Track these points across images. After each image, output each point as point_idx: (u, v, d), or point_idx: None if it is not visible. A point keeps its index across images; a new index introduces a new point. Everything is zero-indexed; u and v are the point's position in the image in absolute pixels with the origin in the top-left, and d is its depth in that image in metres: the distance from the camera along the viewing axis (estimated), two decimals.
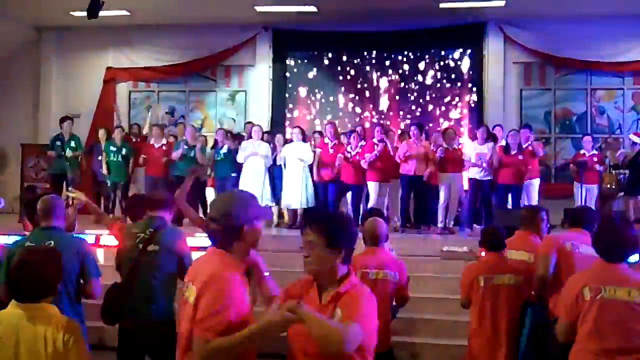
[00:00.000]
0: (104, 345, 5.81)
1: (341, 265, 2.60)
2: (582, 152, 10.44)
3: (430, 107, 12.90)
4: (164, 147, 10.50)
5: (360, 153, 9.72)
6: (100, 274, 4.28)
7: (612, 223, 3.67)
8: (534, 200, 9.69)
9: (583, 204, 9.64)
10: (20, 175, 11.96)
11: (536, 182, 9.86)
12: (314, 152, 10.13)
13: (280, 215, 10.73)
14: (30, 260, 2.90)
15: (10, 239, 4.43)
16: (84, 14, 10.41)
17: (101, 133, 11.28)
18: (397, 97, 13.01)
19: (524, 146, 9.64)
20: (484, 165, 9.44)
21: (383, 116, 12.97)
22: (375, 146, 9.65)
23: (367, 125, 12.44)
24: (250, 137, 10.42)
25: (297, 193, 9.94)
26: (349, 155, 9.76)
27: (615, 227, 3.57)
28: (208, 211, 2.91)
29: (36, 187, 10.19)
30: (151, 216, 4.64)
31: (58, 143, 10.57)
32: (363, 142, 9.96)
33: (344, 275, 2.62)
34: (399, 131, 11.37)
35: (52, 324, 2.77)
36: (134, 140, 11.23)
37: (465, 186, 9.89)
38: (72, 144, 10.66)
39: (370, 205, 9.87)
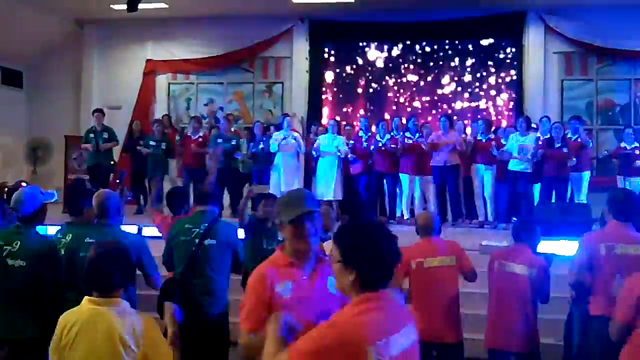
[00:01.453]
0: None
1: (359, 291, 2.19)
2: (622, 144, 10.17)
3: (470, 98, 12.75)
4: (200, 139, 10.60)
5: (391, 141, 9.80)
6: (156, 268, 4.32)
7: None
8: (584, 194, 9.51)
9: None
10: (64, 166, 12.19)
11: (586, 175, 9.60)
12: (348, 143, 10.14)
13: None
14: (105, 253, 2.92)
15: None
16: (124, 7, 10.56)
17: (135, 125, 11.48)
18: (436, 88, 12.90)
19: (572, 138, 9.47)
20: (528, 157, 9.30)
21: (421, 107, 12.87)
22: (406, 138, 9.73)
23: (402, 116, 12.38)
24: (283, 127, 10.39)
25: (331, 184, 9.97)
26: (379, 145, 9.81)
27: None
28: None
29: (83, 179, 10.37)
30: (202, 210, 4.70)
31: (91, 135, 10.73)
32: (395, 132, 9.96)
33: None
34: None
35: (127, 318, 2.82)
36: (165, 131, 11.29)
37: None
38: (105, 135, 10.78)
39: (404, 198, 9.90)
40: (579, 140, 9.53)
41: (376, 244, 2.20)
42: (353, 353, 2.03)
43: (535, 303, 4.79)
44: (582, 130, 9.84)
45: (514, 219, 9.20)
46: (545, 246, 7.34)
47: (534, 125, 10.21)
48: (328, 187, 9.92)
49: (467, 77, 12.75)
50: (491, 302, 4.89)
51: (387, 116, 12.26)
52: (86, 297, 2.89)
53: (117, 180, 9.34)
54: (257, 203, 5.60)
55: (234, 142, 10.44)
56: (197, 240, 4.49)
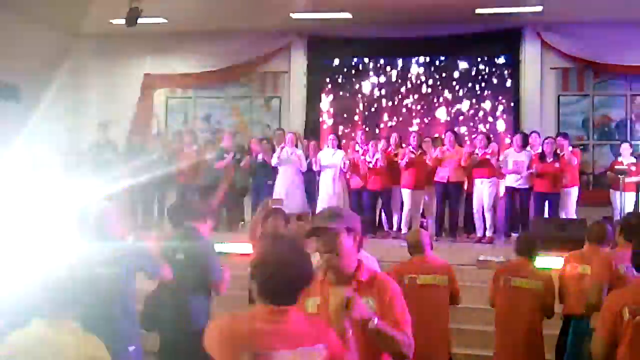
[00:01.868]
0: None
1: (357, 253, 2.74)
2: (620, 159, 10.20)
3: (467, 113, 12.80)
4: (194, 153, 10.62)
5: (380, 158, 9.86)
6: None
7: None
8: (572, 210, 9.57)
9: (620, 212, 9.50)
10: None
11: (574, 191, 9.69)
12: (347, 159, 10.18)
13: None
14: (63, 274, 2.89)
15: None
16: (123, 21, 10.60)
17: (135, 140, 11.49)
18: (433, 104, 12.94)
19: (560, 154, 9.54)
20: (524, 173, 9.37)
21: (419, 122, 12.91)
22: (410, 153, 9.74)
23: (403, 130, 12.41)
24: (283, 143, 10.44)
25: (332, 200, 9.98)
26: (368, 162, 9.86)
27: None
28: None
29: None
30: (186, 226, 4.71)
31: (95, 150, 10.71)
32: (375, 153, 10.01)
33: (357, 265, 2.72)
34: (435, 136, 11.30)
35: (75, 341, 2.76)
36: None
37: (501, 194, 9.84)
38: (109, 149, 10.79)
39: (405, 212, 9.91)
40: (564, 156, 9.56)
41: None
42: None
43: (541, 317, 4.82)
44: (566, 146, 9.82)
45: (513, 234, 9.27)
46: (541, 261, 7.39)
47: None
48: (330, 202, 9.91)
49: (464, 93, 12.79)
50: (499, 318, 4.89)
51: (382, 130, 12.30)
52: (34, 320, 2.82)
53: None
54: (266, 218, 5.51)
55: (238, 157, 10.48)
56: (168, 255, 4.51)
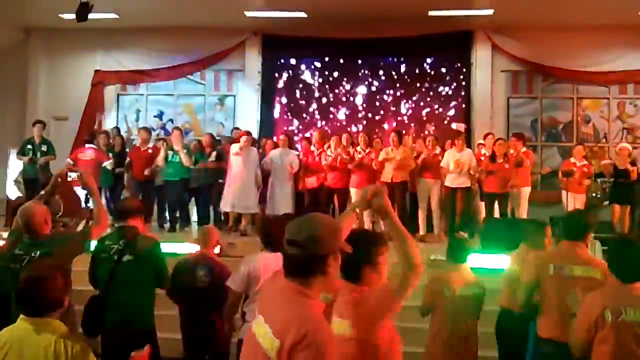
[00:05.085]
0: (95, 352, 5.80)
1: None
2: (572, 160, 10.41)
3: (418, 114, 12.95)
4: (149, 151, 10.46)
5: (338, 157, 9.88)
6: None
7: (627, 242, 3.63)
8: (524, 209, 9.74)
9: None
10: (6, 178, 11.87)
11: (526, 191, 9.86)
12: (300, 159, 10.17)
13: None
14: (36, 276, 2.91)
15: None
16: (73, 16, 10.37)
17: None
18: (385, 104, 13.06)
19: (511, 154, 9.72)
20: (467, 171, 9.57)
21: (370, 122, 13.00)
22: (357, 153, 9.79)
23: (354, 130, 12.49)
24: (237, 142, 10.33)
25: (287, 199, 9.98)
26: (328, 160, 9.88)
27: (631, 246, 3.53)
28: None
29: None
30: (121, 226, 4.62)
31: (29, 147, 10.41)
32: (339, 149, 10.03)
33: None
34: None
35: (57, 338, 2.80)
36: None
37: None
38: (44, 148, 10.47)
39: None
40: (516, 156, 9.73)
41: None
42: None
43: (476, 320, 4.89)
44: (520, 147, 10.01)
45: (457, 233, 9.40)
46: (495, 261, 7.52)
47: (482, 141, 10.52)
48: (283, 201, 9.91)
49: (416, 94, 12.95)
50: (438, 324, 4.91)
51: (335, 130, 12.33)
52: (21, 315, 2.87)
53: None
54: None
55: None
56: (115, 257, 4.43)
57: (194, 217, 10.65)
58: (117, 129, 12.10)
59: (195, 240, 5.97)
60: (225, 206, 9.92)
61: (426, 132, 11.96)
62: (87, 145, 10.41)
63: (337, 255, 2.27)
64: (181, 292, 5.25)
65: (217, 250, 5.75)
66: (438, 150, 9.99)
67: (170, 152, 10.12)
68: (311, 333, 2.08)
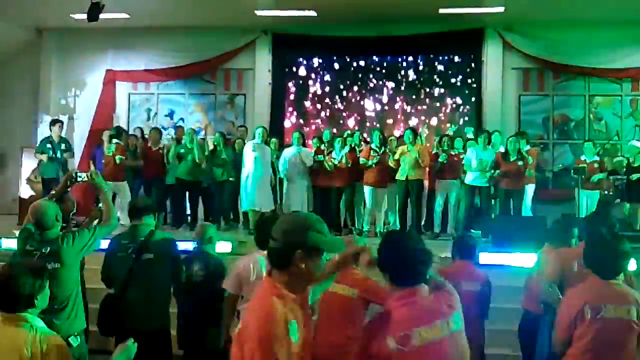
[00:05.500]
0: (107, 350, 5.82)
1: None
2: (582, 158, 10.41)
3: (430, 112, 12.93)
4: (160, 151, 10.51)
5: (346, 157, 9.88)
6: None
7: (603, 239, 3.65)
8: (528, 207, 9.73)
9: (586, 209, 9.72)
10: (19, 177, 11.97)
11: (530, 188, 9.85)
12: (313, 156, 10.16)
13: None
14: (9, 274, 3.00)
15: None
16: (85, 16, 10.43)
17: (105, 135, 11.23)
18: (396, 102, 13.04)
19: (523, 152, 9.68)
20: (488, 170, 9.50)
21: (382, 121, 12.99)
22: (372, 152, 9.75)
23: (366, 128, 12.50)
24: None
25: (300, 196, 9.98)
26: (335, 161, 9.85)
27: (607, 242, 3.55)
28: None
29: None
30: (136, 224, 4.64)
31: (49, 146, 10.42)
32: (347, 148, 10.02)
33: None
34: (397, 135, 11.36)
35: (29, 335, 2.88)
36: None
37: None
38: (63, 146, 10.54)
39: (366, 211, 9.95)
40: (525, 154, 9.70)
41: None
42: None
43: (484, 318, 4.88)
44: (523, 145, 9.95)
45: (473, 231, 9.39)
46: (502, 258, 7.53)
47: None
48: (297, 198, 9.92)
49: (427, 92, 12.92)
50: None
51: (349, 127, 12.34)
52: None
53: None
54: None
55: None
56: (133, 256, 4.44)
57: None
58: (141, 129, 12.02)
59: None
60: (246, 205, 9.84)
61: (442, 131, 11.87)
62: (114, 141, 10.34)
63: (307, 251, 2.29)
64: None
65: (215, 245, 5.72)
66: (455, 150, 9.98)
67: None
68: (252, 326, 2.18)
